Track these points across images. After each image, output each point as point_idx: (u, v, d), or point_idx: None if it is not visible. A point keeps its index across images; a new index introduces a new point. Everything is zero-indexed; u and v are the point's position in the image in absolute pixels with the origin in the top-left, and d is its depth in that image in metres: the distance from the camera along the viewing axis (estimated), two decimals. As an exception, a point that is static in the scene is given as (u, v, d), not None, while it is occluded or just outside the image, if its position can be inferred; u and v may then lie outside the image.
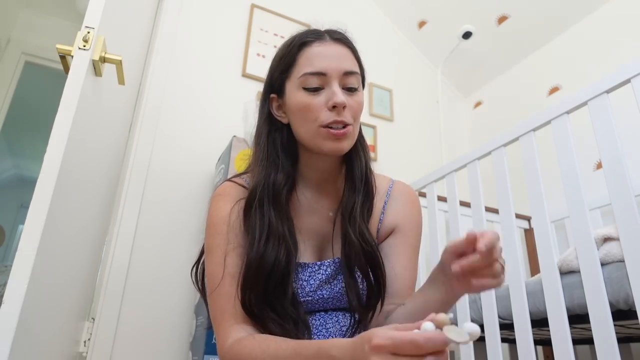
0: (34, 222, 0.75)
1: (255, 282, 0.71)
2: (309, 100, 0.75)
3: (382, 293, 0.76)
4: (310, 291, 0.77)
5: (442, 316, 0.47)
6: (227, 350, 0.69)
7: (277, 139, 0.81)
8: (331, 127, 0.74)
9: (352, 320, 0.78)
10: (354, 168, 0.82)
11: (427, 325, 0.46)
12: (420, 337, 0.44)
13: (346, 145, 0.76)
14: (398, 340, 0.45)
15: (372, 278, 0.77)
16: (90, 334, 1.62)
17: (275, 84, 0.81)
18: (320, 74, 0.75)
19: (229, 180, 0.86)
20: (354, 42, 0.83)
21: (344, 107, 0.74)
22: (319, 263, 0.79)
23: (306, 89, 0.75)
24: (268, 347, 0.64)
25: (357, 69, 0.79)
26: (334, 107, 0.74)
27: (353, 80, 0.77)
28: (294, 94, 0.77)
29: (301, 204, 0.83)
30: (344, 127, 0.75)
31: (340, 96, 0.73)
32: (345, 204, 0.80)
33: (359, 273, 0.77)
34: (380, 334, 0.47)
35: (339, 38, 0.80)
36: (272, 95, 0.82)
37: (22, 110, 3.21)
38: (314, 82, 0.75)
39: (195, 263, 0.82)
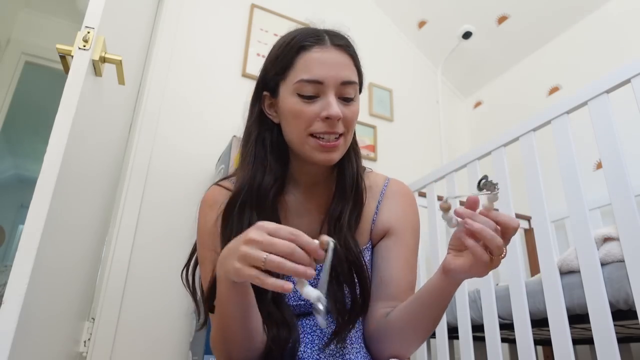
0: (34, 222, 0.75)
1: None
2: (302, 107, 0.72)
3: (365, 302, 0.75)
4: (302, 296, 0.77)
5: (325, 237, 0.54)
6: (211, 341, 0.73)
7: (266, 139, 0.78)
8: (321, 138, 0.72)
9: (336, 325, 0.74)
10: (345, 174, 0.80)
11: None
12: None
13: (336, 156, 0.75)
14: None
15: (358, 287, 0.75)
16: (90, 334, 1.62)
17: (270, 83, 0.78)
18: (317, 82, 0.72)
19: (216, 184, 0.84)
20: (356, 46, 0.79)
21: (339, 119, 0.72)
22: None
23: (301, 96, 0.73)
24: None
25: (355, 79, 0.76)
26: (327, 118, 0.71)
27: (350, 90, 0.74)
28: (288, 98, 0.74)
29: (290, 206, 0.81)
30: (336, 139, 0.73)
31: (335, 108, 0.71)
32: (332, 211, 0.78)
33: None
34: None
35: (340, 44, 0.76)
36: (265, 93, 0.80)
37: (22, 110, 3.20)
38: (309, 90, 0.72)
39: (185, 265, 0.81)
